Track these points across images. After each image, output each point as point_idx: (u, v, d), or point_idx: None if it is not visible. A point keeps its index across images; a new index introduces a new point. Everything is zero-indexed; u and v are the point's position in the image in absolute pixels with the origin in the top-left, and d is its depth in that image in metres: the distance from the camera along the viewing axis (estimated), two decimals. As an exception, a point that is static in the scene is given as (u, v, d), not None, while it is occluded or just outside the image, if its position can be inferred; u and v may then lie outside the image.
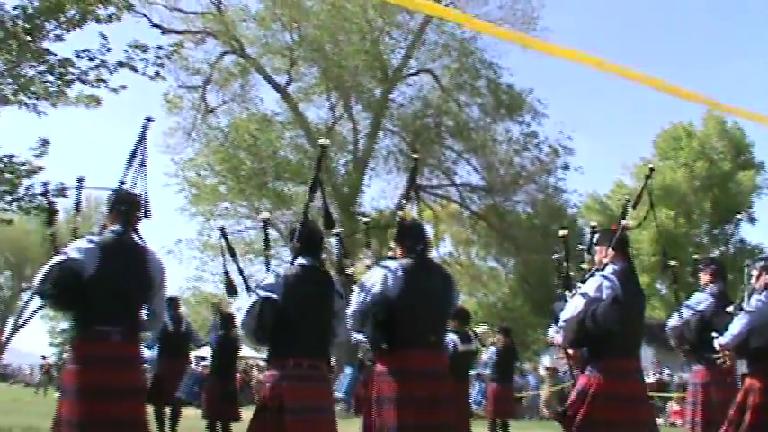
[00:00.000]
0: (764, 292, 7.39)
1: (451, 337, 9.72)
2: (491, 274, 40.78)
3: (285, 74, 31.33)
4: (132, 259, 5.74)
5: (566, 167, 32.29)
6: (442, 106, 31.72)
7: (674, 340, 8.15)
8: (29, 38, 14.17)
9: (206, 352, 13.21)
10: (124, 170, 5.89)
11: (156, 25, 30.40)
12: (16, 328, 58.41)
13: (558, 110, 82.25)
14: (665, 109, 73.01)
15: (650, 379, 26.00)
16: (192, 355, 13.67)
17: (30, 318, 58.01)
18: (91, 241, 5.62)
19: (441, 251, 38.78)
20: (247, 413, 12.06)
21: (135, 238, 5.86)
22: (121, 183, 5.88)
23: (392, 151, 32.17)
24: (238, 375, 18.66)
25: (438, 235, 37.51)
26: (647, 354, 30.15)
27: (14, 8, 14.15)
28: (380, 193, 44.31)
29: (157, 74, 16.07)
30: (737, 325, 7.31)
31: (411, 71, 32.37)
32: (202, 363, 13.69)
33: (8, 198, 14.66)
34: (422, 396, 5.45)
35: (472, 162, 32.44)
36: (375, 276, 5.69)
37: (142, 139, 5.90)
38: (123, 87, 15.34)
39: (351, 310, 5.73)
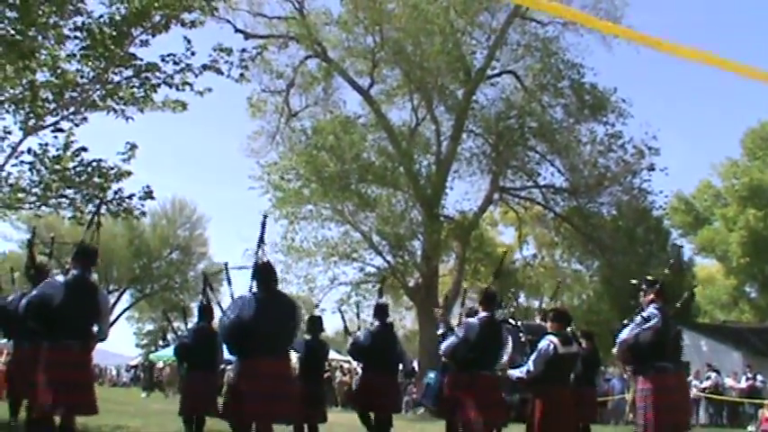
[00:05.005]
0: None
1: (551, 339, 9.04)
2: (575, 276, 40.16)
3: (367, 76, 31.37)
4: (87, 294, 8.37)
5: (651, 168, 31.52)
6: (525, 107, 31.31)
7: (619, 353, 8.84)
8: (115, 44, 14.41)
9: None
10: (84, 232, 9.08)
11: (239, 30, 30.84)
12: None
13: (642, 109, 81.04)
14: (753, 107, 71.39)
15: (742, 384, 25.18)
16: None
17: (116, 319, 59.17)
18: (56, 280, 8.38)
19: (524, 253, 38.44)
20: (331, 416, 12.10)
21: (89, 278, 8.56)
22: (82, 241, 8.72)
23: (475, 153, 31.94)
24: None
25: (521, 237, 37.15)
26: (733, 358, 29.27)
27: (101, 16, 14.42)
28: (464, 195, 44.18)
29: (242, 75, 16.24)
30: None
31: (494, 72, 32.06)
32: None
33: (97, 201, 14.94)
34: (266, 392, 7.66)
35: (556, 163, 31.93)
36: (234, 305, 8.00)
37: (97, 219, 9.16)
38: (209, 90, 15.54)
39: (219, 327, 8.31)
